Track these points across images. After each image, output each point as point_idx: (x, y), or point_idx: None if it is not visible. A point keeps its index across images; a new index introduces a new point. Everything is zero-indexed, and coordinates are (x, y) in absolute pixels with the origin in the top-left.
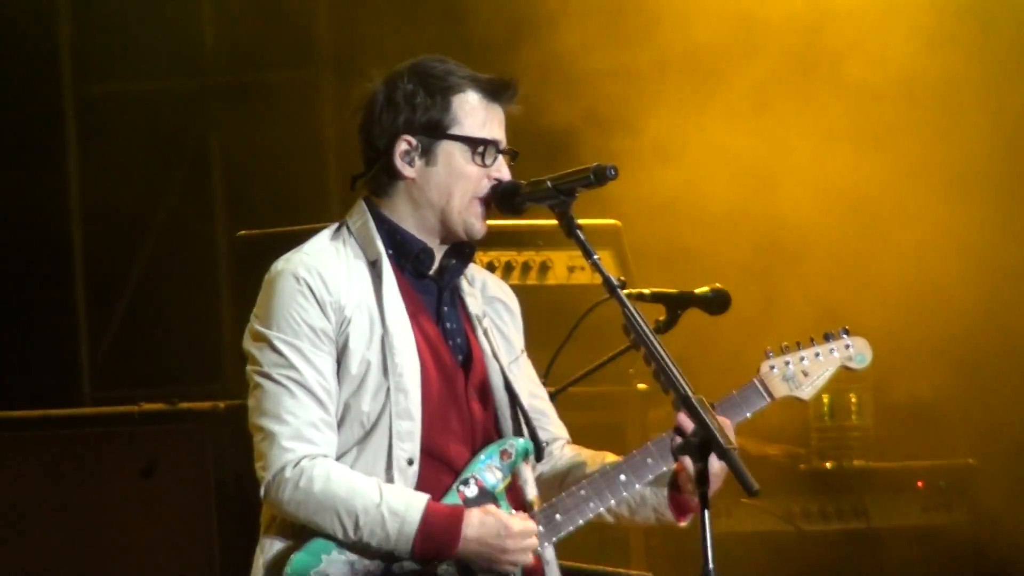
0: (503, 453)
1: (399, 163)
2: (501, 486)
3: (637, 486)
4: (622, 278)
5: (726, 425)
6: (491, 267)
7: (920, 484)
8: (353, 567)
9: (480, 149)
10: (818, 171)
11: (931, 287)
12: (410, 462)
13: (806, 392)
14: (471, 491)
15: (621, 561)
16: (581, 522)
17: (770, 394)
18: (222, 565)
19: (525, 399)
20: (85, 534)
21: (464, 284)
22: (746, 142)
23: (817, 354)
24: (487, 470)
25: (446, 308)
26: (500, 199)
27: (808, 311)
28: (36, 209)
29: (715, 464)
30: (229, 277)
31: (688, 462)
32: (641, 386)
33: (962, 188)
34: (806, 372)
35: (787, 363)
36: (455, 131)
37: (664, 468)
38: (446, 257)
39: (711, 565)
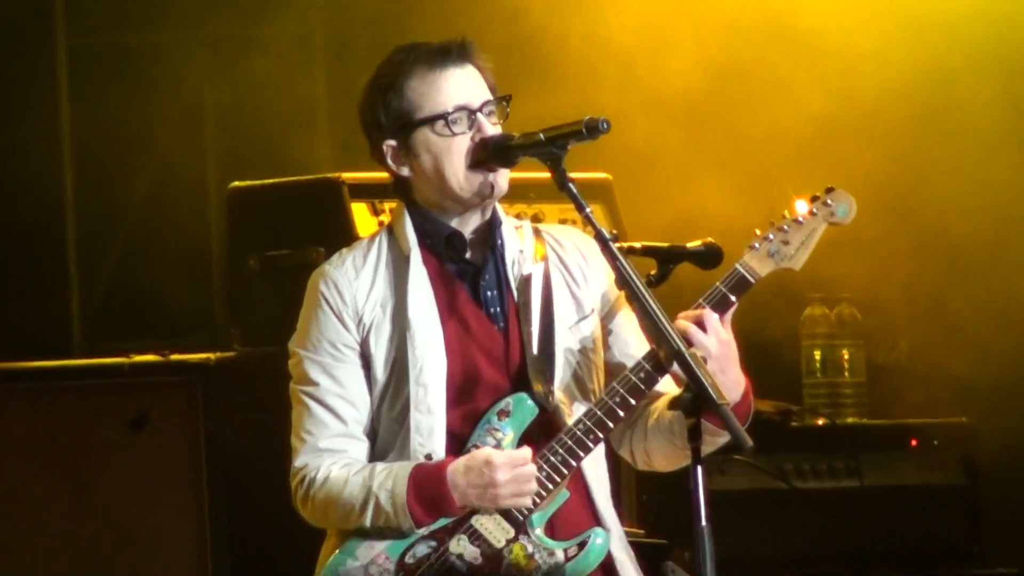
0: (500, 413)
1: (394, 167)
2: (502, 447)
3: (633, 402)
4: (614, 232)
5: (718, 321)
6: None
7: (914, 442)
8: (367, 570)
9: (444, 121)
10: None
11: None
12: (428, 457)
13: (796, 261)
14: None
15: None
16: (583, 455)
17: (754, 274)
18: (211, 518)
19: (566, 354)
20: (74, 486)
21: (512, 255)
22: None
23: (798, 220)
24: (487, 434)
25: (490, 292)
26: (493, 153)
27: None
28: (27, 158)
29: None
30: (221, 229)
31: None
32: None
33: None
34: (787, 241)
35: (768, 239)
36: (418, 117)
37: (659, 379)
38: (477, 236)
39: (704, 522)
